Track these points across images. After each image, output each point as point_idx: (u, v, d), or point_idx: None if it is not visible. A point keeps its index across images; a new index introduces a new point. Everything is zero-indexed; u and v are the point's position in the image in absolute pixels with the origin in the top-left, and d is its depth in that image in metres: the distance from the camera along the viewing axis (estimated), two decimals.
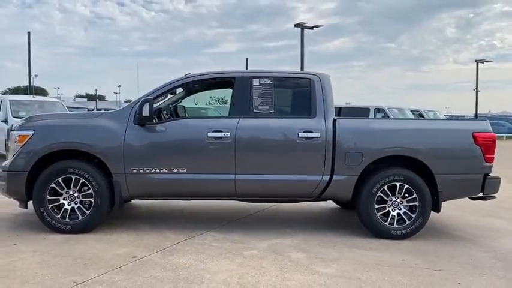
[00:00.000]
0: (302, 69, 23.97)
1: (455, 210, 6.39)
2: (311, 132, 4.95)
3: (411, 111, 21.91)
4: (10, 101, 11.88)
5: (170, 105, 5.74)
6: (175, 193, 5.06)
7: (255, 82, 5.09)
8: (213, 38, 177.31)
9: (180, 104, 5.93)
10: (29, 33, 29.60)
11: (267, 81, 5.10)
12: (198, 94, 7.10)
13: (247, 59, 35.78)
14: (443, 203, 5.05)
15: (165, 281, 3.60)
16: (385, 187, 4.98)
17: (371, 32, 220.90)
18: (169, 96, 5.75)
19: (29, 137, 4.85)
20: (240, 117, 5.00)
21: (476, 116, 39.07)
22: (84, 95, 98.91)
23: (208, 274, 3.77)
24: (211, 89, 6.19)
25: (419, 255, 4.46)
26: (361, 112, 20.43)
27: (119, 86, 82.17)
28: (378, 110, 19.87)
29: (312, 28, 24.07)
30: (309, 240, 4.90)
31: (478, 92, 44.74)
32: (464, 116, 49.16)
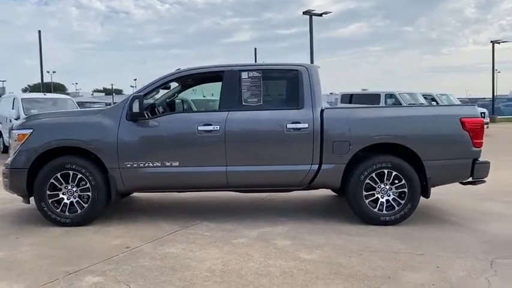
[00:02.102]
0: (312, 57, 23.90)
1: (452, 195, 6.42)
2: (299, 123, 5.05)
3: (423, 95, 21.68)
4: (22, 99, 12.25)
5: (167, 100, 5.91)
6: (168, 186, 5.24)
7: (244, 75, 5.20)
8: (228, 27, 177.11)
9: (176, 98, 6.10)
10: (39, 31, 30.20)
11: (255, 74, 5.21)
12: (206, 86, 7.27)
13: (255, 49, 35.79)
14: (442, 188, 5.09)
15: (152, 270, 3.78)
16: (373, 174, 5.06)
17: (387, 16, 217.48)
18: (166, 91, 5.93)
19: (28, 135, 5.07)
20: (229, 111, 5.13)
21: (494, 99, 38.20)
22: (102, 89, 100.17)
23: (194, 262, 3.94)
24: (202, 84, 6.31)
25: (406, 240, 4.55)
26: (371, 98, 20.39)
27: (135, 80, 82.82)
28: (390, 95, 19.79)
29: (320, 15, 23.86)
30: (299, 227, 5.03)
31: (498, 73, 43.89)
32: (484, 99, 48.22)
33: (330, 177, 5.13)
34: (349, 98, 21.96)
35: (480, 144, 5.11)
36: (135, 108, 4.87)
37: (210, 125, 5.04)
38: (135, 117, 4.96)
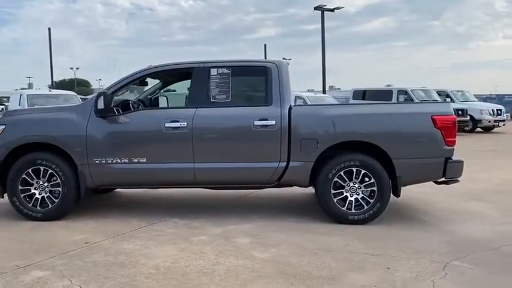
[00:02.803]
0: (323, 53, 23.65)
1: (439, 194, 6.32)
2: (266, 120, 5.01)
3: (437, 92, 21.24)
4: (28, 95, 12.52)
5: (148, 96, 5.96)
6: (136, 182, 5.28)
7: (213, 72, 5.18)
8: (251, 23, 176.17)
9: (154, 95, 6.13)
10: (49, 29, 31.63)
11: (224, 70, 5.18)
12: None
13: (265, 45, 35.84)
14: (431, 187, 4.95)
15: (101, 265, 3.82)
16: (342, 172, 4.99)
17: (414, 10, 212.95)
18: (149, 87, 5.97)
19: (1, 131, 5.17)
20: (197, 107, 5.12)
21: None
22: None
23: (145, 259, 3.96)
24: (174, 80, 6.29)
25: (367, 240, 4.47)
26: (384, 94, 20.11)
27: None
28: (405, 92, 19.44)
29: (332, 10, 23.55)
30: (266, 225, 5.00)
31: None
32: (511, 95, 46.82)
33: (298, 174, 5.07)
34: (362, 95, 21.73)
35: (453, 143, 4.97)
36: (100, 104, 4.92)
37: (178, 121, 5.04)
38: (100, 113, 5.00)
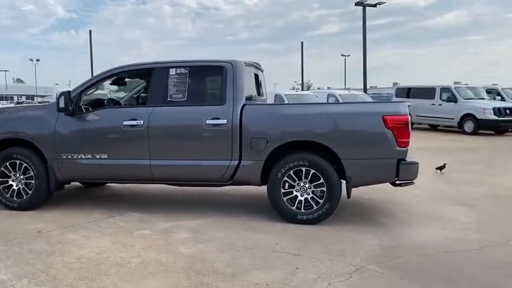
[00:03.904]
0: (364, 49, 23.03)
1: (424, 197, 6.21)
2: (218, 119, 5.11)
3: (487, 90, 20.08)
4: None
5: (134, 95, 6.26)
6: (100, 177, 5.59)
7: (172, 72, 5.36)
8: (315, 20, 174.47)
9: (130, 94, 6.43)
10: (90, 31, 33.26)
11: (182, 70, 5.34)
12: None
13: (302, 43, 35.49)
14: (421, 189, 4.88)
15: (33, 253, 4.12)
16: (291, 172, 4.98)
17: (489, 3, 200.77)
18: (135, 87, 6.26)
19: None
20: (154, 106, 5.32)
21: None
22: None
23: (76, 249, 4.21)
24: (138, 80, 6.52)
25: (301, 240, 4.45)
26: (427, 92, 19.39)
27: None
28: (448, 89, 18.56)
29: (374, 5, 22.85)
30: (216, 222, 5.10)
31: None
32: None
33: (249, 173, 5.12)
34: (406, 92, 21.03)
35: (405, 144, 4.80)
36: (61, 103, 5.25)
37: (135, 119, 5.27)
38: (62, 111, 5.34)
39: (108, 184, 7.01)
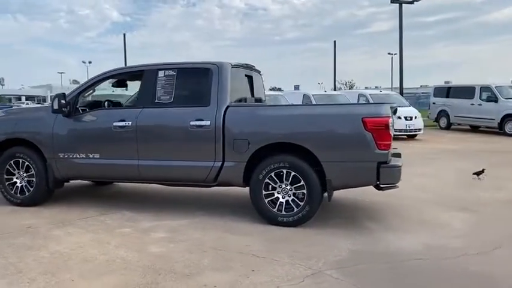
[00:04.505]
0: (401, 48, 22.33)
1: (428, 200, 6.09)
2: (202, 120, 5.17)
3: None
4: None
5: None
6: (94, 176, 5.83)
7: (160, 74, 5.48)
8: (364, 18, 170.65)
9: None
10: (124, 35, 34.22)
11: (170, 72, 5.45)
12: None
13: (335, 42, 34.95)
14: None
15: (13, 247, 4.35)
16: (272, 174, 4.96)
17: None
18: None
19: None
20: (143, 107, 5.47)
21: None
22: None
23: (54, 244, 4.41)
24: (130, 81, 6.64)
25: (273, 242, 4.46)
26: (466, 91, 18.67)
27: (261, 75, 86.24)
28: (489, 88, 17.74)
29: (412, 2, 22.09)
30: (198, 222, 5.16)
31: None
32: None
33: (232, 174, 5.15)
34: (445, 91, 20.31)
35: (386, 146, 4.67)
36: (55, 105, 5.50)
37: (124, 121, 5.43)
38: (55, 112, 5.58)
39: (116, 183, 7.25)
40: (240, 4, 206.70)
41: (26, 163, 5.87)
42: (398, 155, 5.51)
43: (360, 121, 4.66)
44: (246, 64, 5.99)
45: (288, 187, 4.95)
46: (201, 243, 4.43)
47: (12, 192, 5.97)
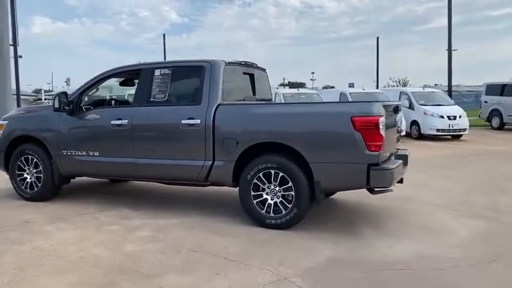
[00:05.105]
0: (450, 42, 21.22)
1: (439, 206, 5.77)
2: (193, 119, 5.12)
3: None
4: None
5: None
6: (94, 173, 5.92)
7: (156, 73, 5.47)
8: (424, 13, 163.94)
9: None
10: (164, 35, 36.28)
11: (166, 71, 5.43)
12: None
13: (378, 38, 33.77)
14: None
15: (8, 239, 4.50)
16: (260, 174, 4.82)
17: None
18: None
19: (5, 125, 6.31)
20: (139, 106, 5.49)
21: None
22: (287, 83, 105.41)
23: (40, 239, 4.51)
24: (131, 80, 6.65)
25: (253, 245, 4.33)
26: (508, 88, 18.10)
27: (312, 73, 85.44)
28: None
29: None
30: (186, 222, 5.10)
31: None
32: None
33: (222, 174, 5.05)
34: (500, 89, 19.21)
35: (376, 148, 4.37)
36: (56, 104, 5.65)
37: (121, 119, 5.48)
38: (57, 111, 5.73)
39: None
40: (295, 2, 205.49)
41: (35, 160, 6.07)
42: (402, 157, 5.19)
43: (348, 120, 4.40)
44: (246, 62, 5.86)
45: (277, 188, 4.78)
46: (179, 244, 4.36)
47: (23, 187, 6.20)
